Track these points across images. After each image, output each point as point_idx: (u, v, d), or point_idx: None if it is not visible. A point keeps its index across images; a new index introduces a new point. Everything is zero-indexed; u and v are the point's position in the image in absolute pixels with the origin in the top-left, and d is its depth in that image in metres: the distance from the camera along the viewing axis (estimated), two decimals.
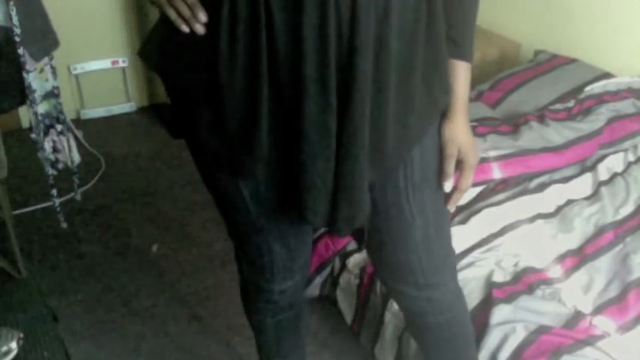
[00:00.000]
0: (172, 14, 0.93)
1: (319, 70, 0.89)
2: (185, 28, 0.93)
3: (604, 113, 2.04)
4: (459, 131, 1.08)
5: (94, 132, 3.00)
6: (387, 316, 1.55)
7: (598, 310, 1.45)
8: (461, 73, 1.07)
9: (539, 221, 1.70)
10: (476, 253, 1.59)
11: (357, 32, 0.87)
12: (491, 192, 1.78)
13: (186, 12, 0.92)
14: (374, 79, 0.92)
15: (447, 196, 1.12)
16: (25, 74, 2.01)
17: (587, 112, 2.05)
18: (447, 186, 1.10)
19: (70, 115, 2.82)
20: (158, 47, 1.02)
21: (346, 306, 1.75)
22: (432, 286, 1.19)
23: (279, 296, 1.29)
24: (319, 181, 0.97)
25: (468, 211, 1.70)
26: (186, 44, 0.95)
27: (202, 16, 0.91)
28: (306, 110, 0.91)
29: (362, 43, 0.87)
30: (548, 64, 2.40)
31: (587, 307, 1.46)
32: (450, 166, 1.09)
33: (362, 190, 0.99)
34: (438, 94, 1.03)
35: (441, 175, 1.11)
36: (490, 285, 1.48)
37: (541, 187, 1.80)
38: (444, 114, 1.08)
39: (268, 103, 0.92)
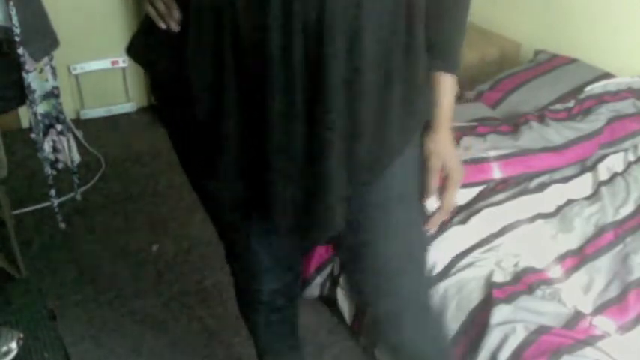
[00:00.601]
0: (151, 11, 0.96)
1: (284, 73, 0.86)
2: (162, 25, 0.95)
3: (604, 113, 2.04)
4: (443, 145, 1.04)
5: (94, 132, 3.00)
6: None
7: (598, 310, 1.45)
8: (445, 86, 1.03)
9: (539, 221, 1.70)
10: (476, 253, 1.59)
11: (326, 42, 0.84)
12: (491, 192, 1.78)
13: (162, 9, 0.94)
14: (346, 88, 0.88)
15: (429, 217, 1.08)
16: (25, 74, 2.01)
17: (587, 112, 2.06)
18: (430, 203, 1.07)
19: (70, 115, 2.82)
20: (143, 42, 1.04)
21: (346, 306, 1.75)
22: (388, 325, 1.16)
23: (269, 297, 1.29)
24: (288, 190, 0.95)
25: (468, 211, 1.70)
26: (163, 38, 0.97)
27: (176, 14, 0.93)
28: (271, 115, 0.90)
29: (331, 51, 0.85)
30: (548, 64, 2.40)
31: (587, 307, 1.46)
32: (434, 182, 1.05)
33: (334, 202, 0.96)
34: (419, 108, 1.00)
35: (423, 193, 1.07)
36: (490, 285, 1.48)
37: (541, 187, 1.80)
38: (427, 127, 1.04)
39: (235, 103, 0.92)
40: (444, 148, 1.04)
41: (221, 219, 1.17)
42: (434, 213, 1.08)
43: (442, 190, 1.07)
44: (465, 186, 1.77)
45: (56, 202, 2.32)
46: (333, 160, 0.91)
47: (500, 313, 1.39)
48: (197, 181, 1.12)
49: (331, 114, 0.88)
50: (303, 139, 0.91)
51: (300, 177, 0.94)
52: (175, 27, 0.94)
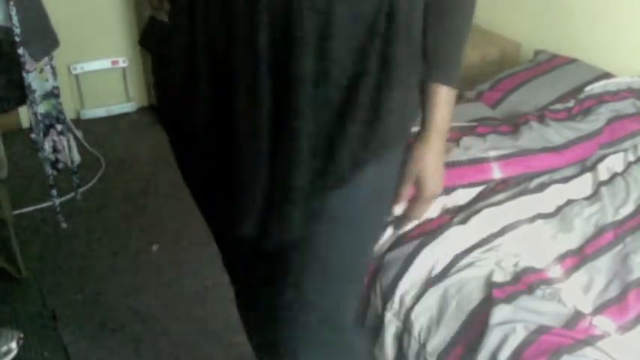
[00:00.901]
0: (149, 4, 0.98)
1: (248, 63, 0.86)
2: (161, 16, 0.96)
3: (604, 113, 2.04)
4: (423, 156, 0.99)
5: (94, 132, 3.00)
6: (387, 316, 1.55)
7: (598, 310, 1.45)
8: (437, 97, 0.97)
9: (539, 221, 1.70)
10: (476, 253, 1.59)
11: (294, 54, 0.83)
12: (491, 192, 1.78)
13: (155, 3, 0.96)
14: (313, 84, 0.86)
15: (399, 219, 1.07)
16: (25, 74, 2.01)
17: (587, 112, 2.06)
18: (397, 209, 1.03)
19: (70, 115, 2.82)
20: (150, 30, 1.06)
21: None
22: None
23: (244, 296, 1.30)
24: (250, 184, 0.93)
25: (468, 211, 1.70)
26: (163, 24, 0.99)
27: (166, 4, 0.94)
28: (237, 106, 0.89)
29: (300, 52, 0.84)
30: (548, 64, 2.40)
31: (587, 307, 1.46)
32: (404, 189, 1.01)
33: (295, 203, 0.92)
34: (388, 120, 0.92)
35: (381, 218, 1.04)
36: (490, 285, 1.48)
37: (541, 187, 1.79)
38: (418, 134, 1.00)
39: (206, 97, 0.93)
40: (422, 159, 0.99)
41: (209, 221, 1.16)
42: (399, 217, 1.06)
43: (411, 200, 1.04)
44: (465, 186, 1.78)
45: (57, 201, 2.32)
46: (300, 156, 0.89)
47: (500, 313, 1.39)
48: (187, 179, 1.15)
49: (297, 117, 0.86)
50: (267, 137, 0.89)
51: (264, 176, 0.92)
52: (164, 16, 0.96)
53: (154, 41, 1.04)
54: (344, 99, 0.88)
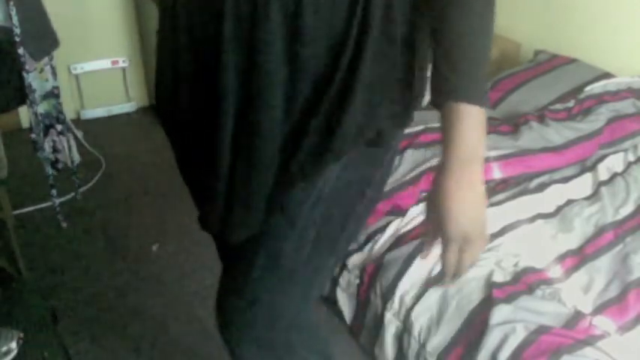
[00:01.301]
0: None
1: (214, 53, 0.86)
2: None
3: (604, 113, 2.04)
4: (440, 193, 0.81)
5: (94, 132, 3.00)
6: (387, 316, 1.55)
7: (598, 310, 1.45)
8: (452, 117, 0.79)
9: (539, 221, 1.70)
10: None
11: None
12: (491, 192, 1.78)
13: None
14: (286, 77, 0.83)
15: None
16: (25, 74, 2.01)
17: (587, 112, 2.06)
18: (424, 255, 0.92)
19: (70, 115, 2.82)
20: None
21: (346, 306, 1.74)
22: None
23: None
24: (214, 178, 0.94)
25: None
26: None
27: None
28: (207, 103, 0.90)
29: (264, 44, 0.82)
30: (548, 64, 2.40)
31: (587, 307, 1.46)
32: (426, 237, 0.88)
33: (258, 196, 0.90)
34: (357, 118, 0.85)
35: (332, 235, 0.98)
36: (490, 285, 1.48)
37: (541, 187, 1.80)
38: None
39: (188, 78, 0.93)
40: (439, 198, 0.81)
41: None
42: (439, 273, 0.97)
43: (442, 251, 0.87)
44: None
45: (57, 201, 2.32)
46: (262, 148, 0.88)
47: (500, 313, 1.39)
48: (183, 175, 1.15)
49: (265, 101, 0.85)
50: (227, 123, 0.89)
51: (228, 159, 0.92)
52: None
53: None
54: (309, 96, 0.85)
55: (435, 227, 0.84)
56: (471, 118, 0.78)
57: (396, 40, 0.83)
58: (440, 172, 0.81)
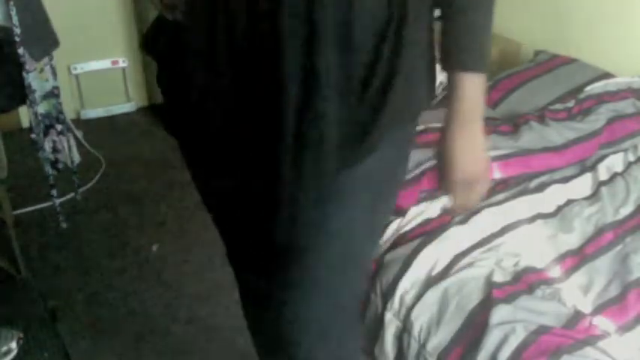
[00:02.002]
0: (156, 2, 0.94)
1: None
2: (168, 15, 0.93)
3: (604, 113, 2.04)
4: (449, 139, 0.95)
5: (94, 132, 3.00)
6: (387, 316, 1.55)
7: (598, 310, 1.45)
8: (458, 82, 0.93)
9: (539, 221, 1.70)
10: (476, 253, 1.59)
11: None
12: (491, 192, 1.78)
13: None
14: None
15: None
16: (25, 74, 2.01)
17: (587, 112, 2.06)
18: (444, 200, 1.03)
19: (70, 115, 2.82)
20: (155, 35, 1.04)
21: None
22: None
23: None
24: (278, 179, 0.91)
25: (469, 211, 1.70)
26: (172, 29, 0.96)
27: (178, 12, 0.91)
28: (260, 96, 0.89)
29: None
30: (548, 64, 2.40)
31: (587, 307, 1.46)
32: (439, 179, 0.99)
33: (326, 188, 0.91)
34: (402, 98, 0.92)
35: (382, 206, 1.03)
36: (490, 285, 1.48)
37: (541, 187, 1.80)
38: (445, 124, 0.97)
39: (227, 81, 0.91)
40: (446, 148, 0.96)
41: (220, 216, 1.17)
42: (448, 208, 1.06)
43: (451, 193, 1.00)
44: None
45: (58, 201, 2.32)
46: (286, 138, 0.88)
47: (500, 313, 1.39)
48: (201, 178, 1.12)
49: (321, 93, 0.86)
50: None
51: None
52: (179, 16, 0.91)
53: (160, 46, 1.01)
54: (361, 81, 0.88)
55: (443, 174, 0.97)
56: (474, 84, 0.93)
57: (423, 24, 0.92)
58: (446, 127, 0.95)
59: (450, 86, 0.94)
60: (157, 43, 1.03)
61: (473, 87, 0.93)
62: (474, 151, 0.96)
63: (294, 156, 0.88)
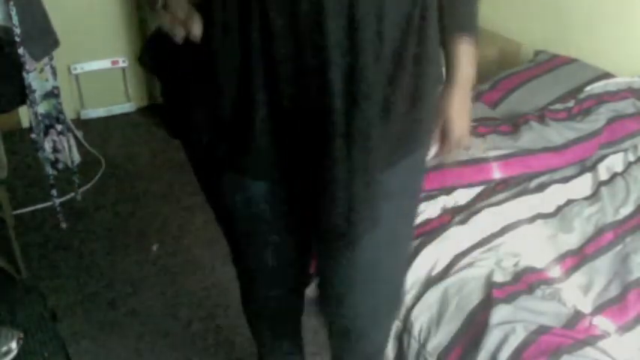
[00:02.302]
0: (168, 21, 0.88)
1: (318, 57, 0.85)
2: (180, 33, 0.87)
3: (604, 113, 2.04)
4: (449, 104, 1.08)
5: (94, 132, 3.00)
6: None
7: (598, 310, 1.45)
8: (458, 49, 1.05)
9: (539, 221, 1.70)
10: (476, 253, 1.59)
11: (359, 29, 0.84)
12: (491, 192, 1.78)
13: (182, 16, 0.87)
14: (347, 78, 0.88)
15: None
16: (25, 74, 2.01)
17: (587, 112, 2.06)
18: (432, 151, 1.14)
19: (70, 115, 2.82)
20: (155, 49, 1.01)
21: None
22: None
23: (264, 302, 1.30)
24: (337, 182, 0.93)
25: (468, 211, 1.70)
26: (177, 44, 0.91)
27: (197, 28, 0.86)
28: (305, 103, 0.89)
29: (364, 40, 0.85)
30: (548, 64, 2.40)
31: (587, 307, 1.46)
32: (434, 135, 1.10)
33: (376, 185, 0.97)
34: (429, 97, 1.02)
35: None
36: (490, 285, 1.48)
37: (541, 187, 1.80)
38: (444, 87, 1.08)
39: (263, 90, 0.89)
40: (449, 108, 1.08)
41: (235, 228, 1.15)
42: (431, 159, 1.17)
43: (441, 145, 1.13)
44: (464, 186, 1.78)
45: (57, 201, 2.32)
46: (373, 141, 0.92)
47: (500, 313, 1.39)
48: (214, 183, 1.09)
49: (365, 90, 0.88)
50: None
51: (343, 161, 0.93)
52: (198, 32, 0.86)
53: (159, 60, 0.99)
54: (392, 75, 0.91)
55: (442, 129, 1.10)
56: (470, 49, 1.06)
57: (436, 11, 0.98)
58: (448, 94, 1.08)
59: (449, 58, 1.06)
60: (154, 56, 1.01)
61: (467, 57, 1.06)
62: (467, 112, 1.12)
63: (344, 155, 0.91)
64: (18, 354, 1.30)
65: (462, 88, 1.08)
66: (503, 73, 2.40)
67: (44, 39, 2.09)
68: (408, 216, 1.17)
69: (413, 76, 0.95)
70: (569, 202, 1.78)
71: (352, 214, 0.96)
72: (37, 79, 2.13)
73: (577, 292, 1.50)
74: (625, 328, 1.40)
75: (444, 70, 1.10)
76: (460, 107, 1.09)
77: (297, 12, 0.83)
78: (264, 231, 1.12)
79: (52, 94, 2.23)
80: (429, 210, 1.70)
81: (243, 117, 0.92)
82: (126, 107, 3.22)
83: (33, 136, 2.22)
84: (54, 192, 2.30)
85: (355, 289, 1.16)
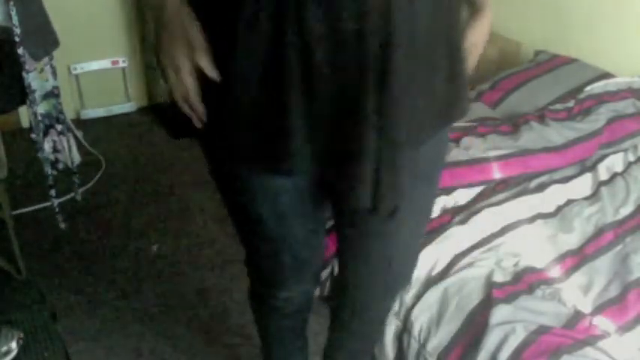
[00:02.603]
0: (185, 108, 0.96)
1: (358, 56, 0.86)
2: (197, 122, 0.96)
3: (604, 113, 2.04)
4: (475, 27, 1.11)
5: (94, 132, 3.00)
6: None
7: (598, 310, 1.45)
8: None
9: (539, 221, 1.70)
10: (476, 253, 1.59)
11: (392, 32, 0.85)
12: (491, 192, 1.78)
13: (187, 111, 0.96)
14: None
15: None
16: (25, 74, 2.01)
17: (587, 112, 2.06)
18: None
19: (70, 115, 2.82)
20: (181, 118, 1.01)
21: None
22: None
23: (283, 303, 1.30)
24: (368, 159, 0.93)
25: (468, 211, 1.70)
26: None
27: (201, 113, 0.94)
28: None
29: (397, 39, 0.86)
30: (548, 64, 2.40)
31: (587, 307, 1.46)
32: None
33: (403, 168, 0.98)
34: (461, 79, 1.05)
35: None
36: (490, 285, 1.48)
37: (541, 187, 1.80)
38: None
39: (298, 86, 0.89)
40: (475, 29, 1.11)
41: (254, 229, 1.14)
42: None
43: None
44: (464, 186, 1.78)
45: (57, 201, 2.32)
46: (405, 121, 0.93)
47: (500, 313, 1.39)
48: (233, 187, 1.08)
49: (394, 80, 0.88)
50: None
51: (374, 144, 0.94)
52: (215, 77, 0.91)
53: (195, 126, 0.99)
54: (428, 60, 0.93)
55: (471, 48, 1.11)
56: None
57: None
58: (474, 15, 1.12)
59: None
60: (187, 125, 1.00)
61: None
62: (485, 39, 1.14)
63: (375, 126, 0.91)
64: (18, 354, 1.30)
65: (486, 9, 1.12)
66: (503, 73, 2.40)
67: (44, 39, 2.09)
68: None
69: (446, 52, 0.97)
70: (569, 202, 1.78)
71: (380, 187, 0.96)
72: (37, 79, 2.13)
73: (577, 292, 1.50)
74: (625, 328, 1.40)
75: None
76: (485, 30, 1.13)
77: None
78: (289, 225, 1.12)
79: (52, 94, 2.23)
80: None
81: (278, 110, 0.91)
82: (126, 107, 3.22)
83: (33, 136, 2.22)
84: (53, 192, 2.30)
85: (376, 268, 1.21)
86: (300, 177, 1.04)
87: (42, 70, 2.16)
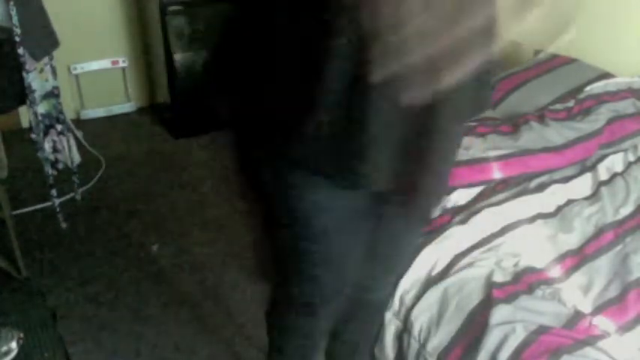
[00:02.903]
0: None
1: None
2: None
3: (604, 113, 2.04)
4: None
5: (94, 132, 3.00)
6: (387, 316, 1.55)
7: (598, 310, 1.45)
8: None
9: (539, 221, 1.70)
10: (476, 253, 1.59)
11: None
12: (491, 192, 1.78)
13: None
14: None
15: None
16: (25, 74, 2.01)
17: (587, 112, 2.06)
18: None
19: (70, 115, 2.82)
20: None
21: None
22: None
23: (334, 311, 1.33)
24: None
25: (468, 211, 1.70)
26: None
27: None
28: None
29: None
30: (548, 64, 2.40)
31: (587, 307, 1.46)
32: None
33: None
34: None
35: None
36: (490, 285, 1.48)
37: (541, 187, 1.80)
38: None
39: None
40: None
41: (336, 224, 1.13)
42: None
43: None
44: (464, 186, 1.78)
45: (57, 201, 2.32)
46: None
47: (500, 313, 1.39)
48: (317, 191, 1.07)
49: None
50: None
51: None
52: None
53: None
54: None
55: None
56: None
57: None
58: None
59: None
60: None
61: None
62: None
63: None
64: (18, 354, 1.30)
65: None
66: (503, 73, 2.40)
67: (44, 39, 2.09)
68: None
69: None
70: (569, 202, 1.78)
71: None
72: (37, 79, 2.13)
73: (577, 292, 1.50)
74: (625, 328, 1.40)
75: None
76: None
77: None
78: (352, 235, 1.16)
79: (52, 94, 2.23)
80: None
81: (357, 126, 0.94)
82: (126, 107, 3.22)
83: (33, 136, 2.22)
84: (54, 192, 2.30)
85: (398, 254, 1.35)
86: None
87: (42, 70, 2.16)
